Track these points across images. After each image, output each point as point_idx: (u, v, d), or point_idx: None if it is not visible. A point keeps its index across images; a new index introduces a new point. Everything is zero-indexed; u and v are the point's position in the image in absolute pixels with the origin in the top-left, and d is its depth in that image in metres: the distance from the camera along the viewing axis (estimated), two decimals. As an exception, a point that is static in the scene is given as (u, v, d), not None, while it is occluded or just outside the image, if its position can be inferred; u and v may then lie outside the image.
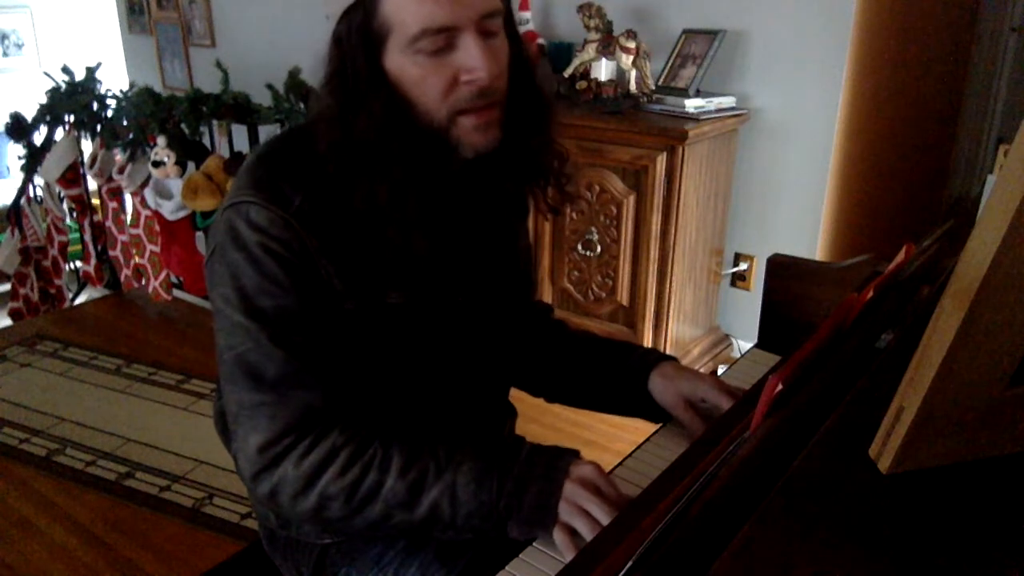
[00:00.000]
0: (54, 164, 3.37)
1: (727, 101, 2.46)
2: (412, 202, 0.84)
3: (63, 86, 3.25)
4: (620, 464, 0.97)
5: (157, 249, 3.20)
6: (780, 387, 0.69)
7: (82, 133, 3.33)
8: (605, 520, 0.80)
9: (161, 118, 2.90)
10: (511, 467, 0.85)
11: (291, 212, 0.83)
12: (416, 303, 0.90)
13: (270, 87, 2.72)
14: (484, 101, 0.83)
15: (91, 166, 3.32)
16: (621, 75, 2.55)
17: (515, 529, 0.84)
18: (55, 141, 3.41)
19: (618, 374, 1.07)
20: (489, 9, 0.81)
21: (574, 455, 0.88)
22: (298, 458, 0.85)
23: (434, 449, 0.87)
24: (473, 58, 0.80)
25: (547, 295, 2.68)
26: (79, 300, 3.85)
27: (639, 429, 1.03)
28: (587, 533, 0.80)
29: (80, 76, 3.24)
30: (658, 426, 1.05)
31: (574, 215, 2.50)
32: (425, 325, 0.92)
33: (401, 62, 0.82)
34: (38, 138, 3.46)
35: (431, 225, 0.87)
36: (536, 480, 0.84)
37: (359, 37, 0.81)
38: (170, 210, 3.00)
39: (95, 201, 3.59)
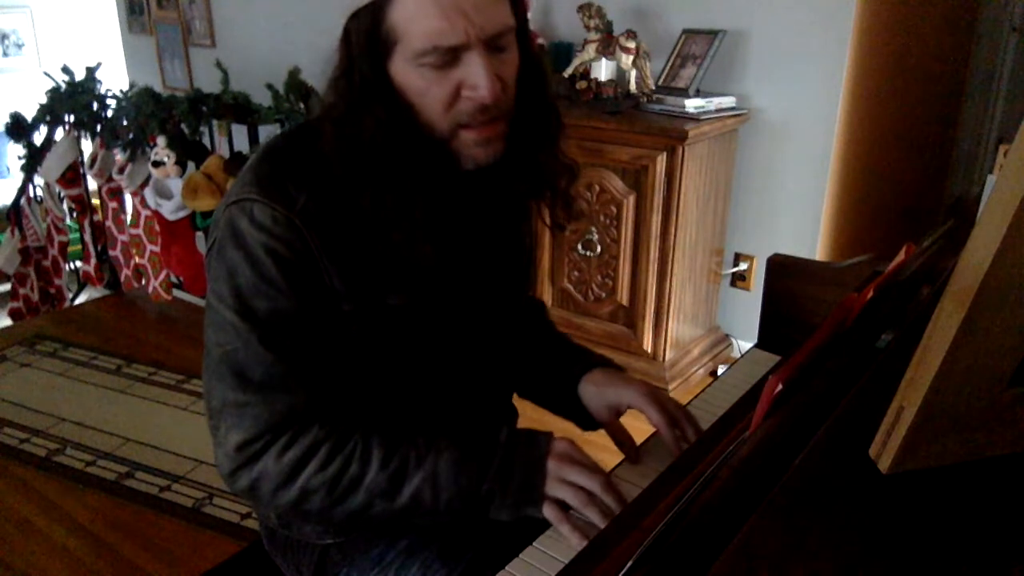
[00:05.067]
0: (54, 164, 3.37)
1: (727, 101, 2.46)
2: (418, 208, 0.84)
3: (63, 86, 3.25)
4: (620, 464, 0.97)
5: (157, 249, 3.20)
6: (780, 387, 0.69)
7: (82, 133, 3.33)
8: (592, 486, 0.84)
9: (161, 118, 2.90)
10: (493, 451, 0.86)
11: (295, 211, 0.83)
12: (417, 305, 0.90)
13: (270, 87, 2.72)
14: (485, 117, 0.83)
15: (91, 166, 3.32)
16: (621, 75, 2.55)
17: (503, 512, 0.86)
18: (55, 141, 3.41)
19: (558, 377, 1.08)
20: (499, 29, 0.81)
21: (549, 435, 0.90)
22: (278, 453, 0.86)
23: (413, 439, 0.88)
24: (476, 76, 0.80)
25: (547, 295, 2.68)
26: (79, 300, 3.85)
27: (638, 428, 1.03)
28: (576, 503, 0.83)
29: (80, 76, 3.24)
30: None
31: (574, 215, 2.50)
32: (426, 327, 0.92)
33: (406, 71, 0.81)
34: (38, 138, 3.45)
35: (436, 230, 0.87)
36: (520, 462, 0.86)
37: (366, 41, 0.80)
38: (170, 210, 3.00)
39: (95, 201, 3.59)
